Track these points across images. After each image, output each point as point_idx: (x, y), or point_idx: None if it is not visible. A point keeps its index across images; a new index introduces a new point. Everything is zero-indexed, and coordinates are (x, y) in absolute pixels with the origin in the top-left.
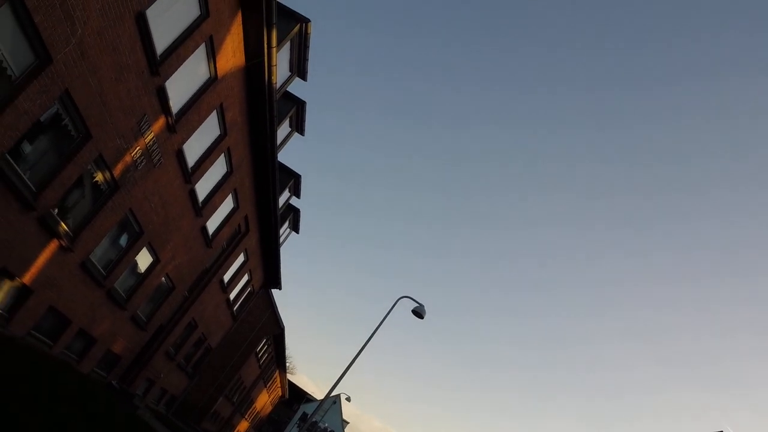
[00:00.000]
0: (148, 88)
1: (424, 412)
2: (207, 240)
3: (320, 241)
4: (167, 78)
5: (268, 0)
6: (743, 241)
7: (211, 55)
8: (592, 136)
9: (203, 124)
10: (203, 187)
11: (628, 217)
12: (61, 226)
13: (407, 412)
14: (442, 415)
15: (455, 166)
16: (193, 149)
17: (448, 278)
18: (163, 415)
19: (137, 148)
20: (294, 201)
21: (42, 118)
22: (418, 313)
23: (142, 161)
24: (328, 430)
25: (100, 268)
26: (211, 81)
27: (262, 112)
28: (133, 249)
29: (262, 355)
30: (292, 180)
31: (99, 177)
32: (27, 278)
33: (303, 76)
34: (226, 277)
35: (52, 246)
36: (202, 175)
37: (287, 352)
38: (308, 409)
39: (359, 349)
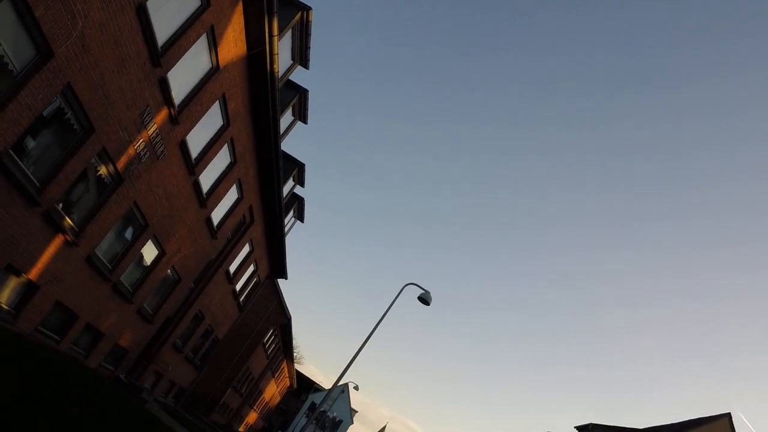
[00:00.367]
0: (150, 79)
1: (434, 402)
2: (212, 231)
3: (326, 231)
4: (169, 69)
5: None
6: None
7: (213, 45)
8: (601, 133)
9: (206, 114)
10: (207, 178)
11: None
12: (65, 220)
13: (418, 401)
14: (454, 406)
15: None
16: (197, 140)
17: (457, 270)
18: (172, 408)
19: (140, 141)
20: (298, 190)
21: (45, 113)
22: (424, 299)
23: (145, 153)
24: (337, 419)
25: (105, 261)
26: (213, 71)
27: (264, 101)
28: (138, 242)
29: (269, 345)
30: (296, 169)
31: (103, 170)
32: (33, 274)
33: (305, 64)
34: (232, 268)
35: (58, 241)
36: (206, 166)
37: (294, 342)
38: (316, 398)
39: (366, 337)
